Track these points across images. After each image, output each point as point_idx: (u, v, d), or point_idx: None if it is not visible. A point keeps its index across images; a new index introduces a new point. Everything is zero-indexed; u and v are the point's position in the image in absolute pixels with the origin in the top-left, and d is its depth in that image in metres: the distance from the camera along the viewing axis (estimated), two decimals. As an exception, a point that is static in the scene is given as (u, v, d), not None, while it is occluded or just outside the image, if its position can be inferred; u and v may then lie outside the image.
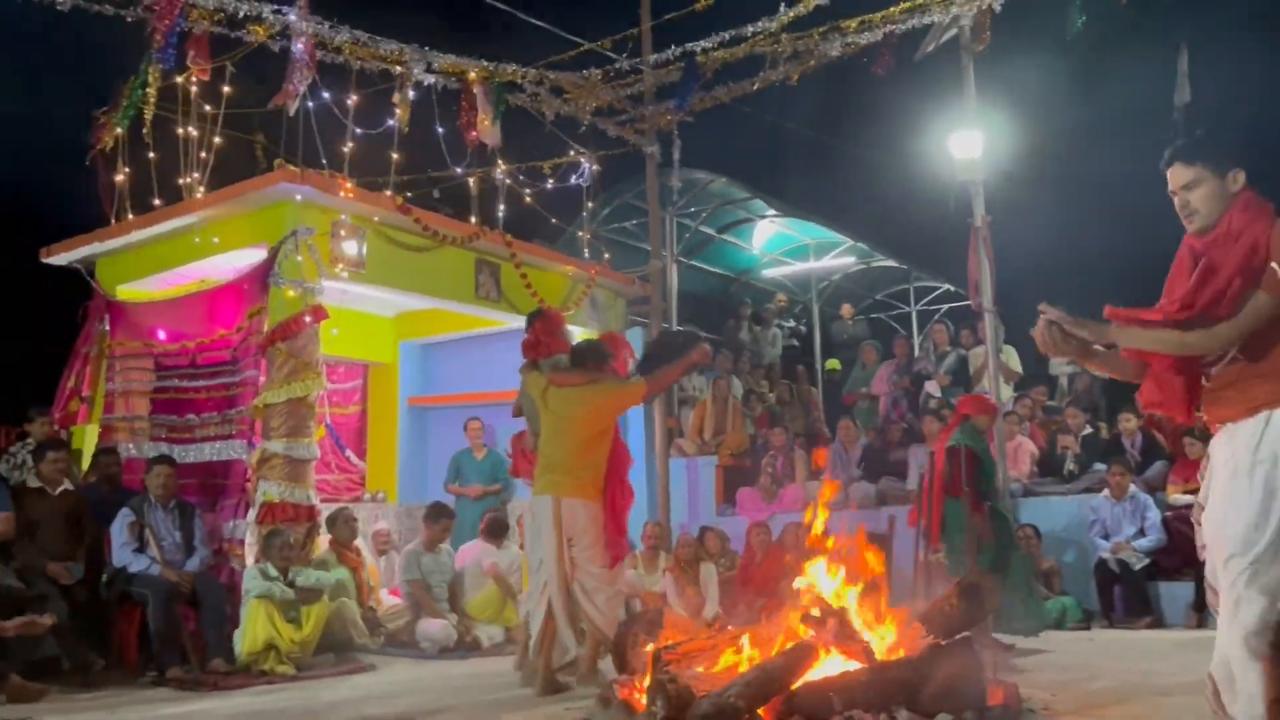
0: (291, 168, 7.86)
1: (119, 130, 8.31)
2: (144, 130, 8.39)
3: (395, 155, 8.97)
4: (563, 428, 5.88)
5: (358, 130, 8.51)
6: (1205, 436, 8.53)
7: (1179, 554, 8.05)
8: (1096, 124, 14.56)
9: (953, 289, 14.88)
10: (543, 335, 6.47)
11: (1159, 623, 8.00)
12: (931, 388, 11.30)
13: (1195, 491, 8.25)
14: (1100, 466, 9.12)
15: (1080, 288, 14.37)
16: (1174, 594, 8.19)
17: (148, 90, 7.78)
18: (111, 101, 8.39)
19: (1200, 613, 7.79)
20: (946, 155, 9.50)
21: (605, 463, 5.88)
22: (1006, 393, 10.39)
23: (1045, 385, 11.15)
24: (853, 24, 9.28)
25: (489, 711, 5.22)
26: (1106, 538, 8.47)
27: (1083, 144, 14.37)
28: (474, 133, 9.57)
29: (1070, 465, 9.43)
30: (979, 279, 9.39)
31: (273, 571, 7.14)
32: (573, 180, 11.04)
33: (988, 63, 9.37)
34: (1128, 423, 9.42)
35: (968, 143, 9.27)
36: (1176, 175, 3.19)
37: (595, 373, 5.99)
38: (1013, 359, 11.09)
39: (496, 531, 8.67)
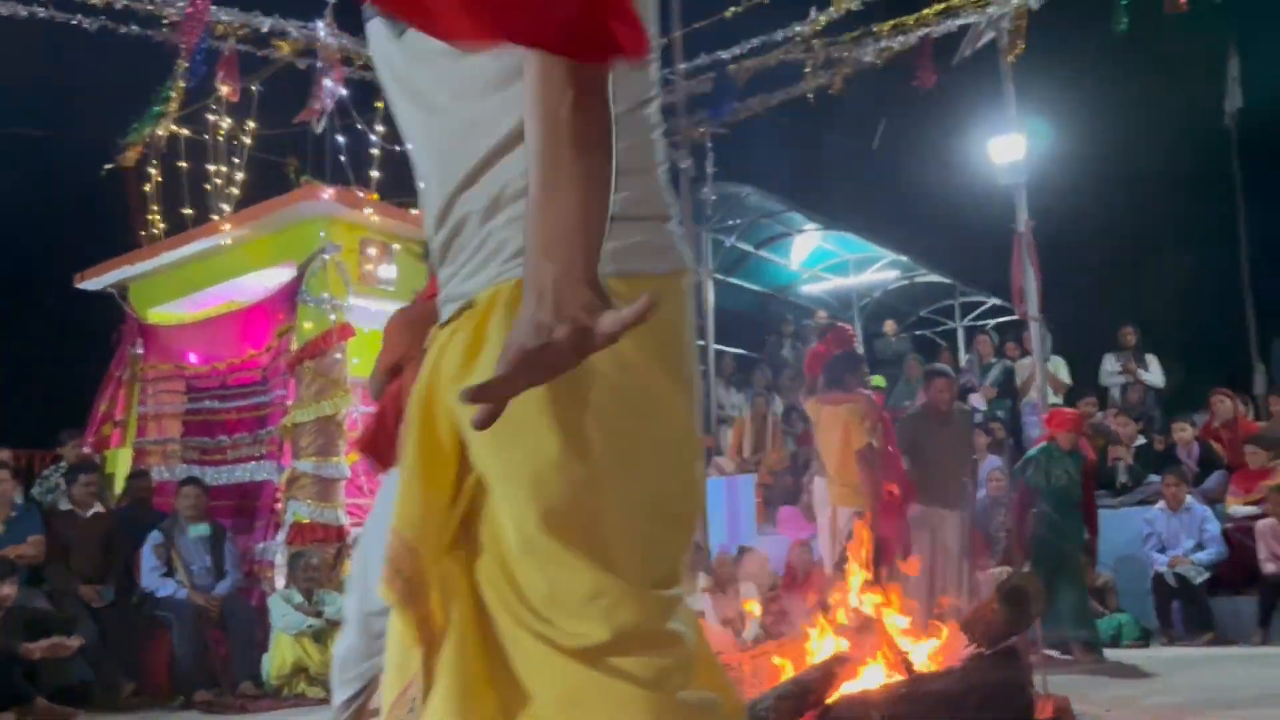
0: (317, 185, 7.82)
1: (140, 144, 8.34)
2: (159, 151, 8.44)
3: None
4: None
5: (386, 145, 8.45)
6: (1269, 444, 8.19)
7: (1241, 567, 7.71)
8: (1141, 125, 14.22)
9: (1000, 303, 14.53)
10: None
11: (1221, 639, 7.60)
12: (977, 401, 10.98)
13: (1258, 502, 7.93)
14: (1155, 478, 8.77)
15: (1132, 294, 14.01)
16: (1237, 609, 7.80)
17: (170, 104, 7.79)
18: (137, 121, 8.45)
19: (1265, 628, 7.45)
20: (987, 162, 9.26)
21: None
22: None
23: (1095, 396, 10.78)
24: (886, 28, 9.07)
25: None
26: (1163, 551, 8.11)
27: (1126, 148, 14.02)
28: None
29: (1123, 477, 9.07)
30: (1024, 285, 9.10)
31: (297, 597, 7.02)
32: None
33: (1027, 64, 9.12)
34: (1183, 432, 9.06)
35: (1009, 147, 9.01)
36: None
37: None
38: (1061, 369, 10.75)
39: None
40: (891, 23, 9.00)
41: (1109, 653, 7.33)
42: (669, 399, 1.27)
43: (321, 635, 6.96)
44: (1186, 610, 7.87)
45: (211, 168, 8.61)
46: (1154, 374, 10.28)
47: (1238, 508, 8.12)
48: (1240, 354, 12.16)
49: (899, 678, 4.08)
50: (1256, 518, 7.74)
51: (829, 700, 3.96)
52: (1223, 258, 12.85)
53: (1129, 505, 8.80)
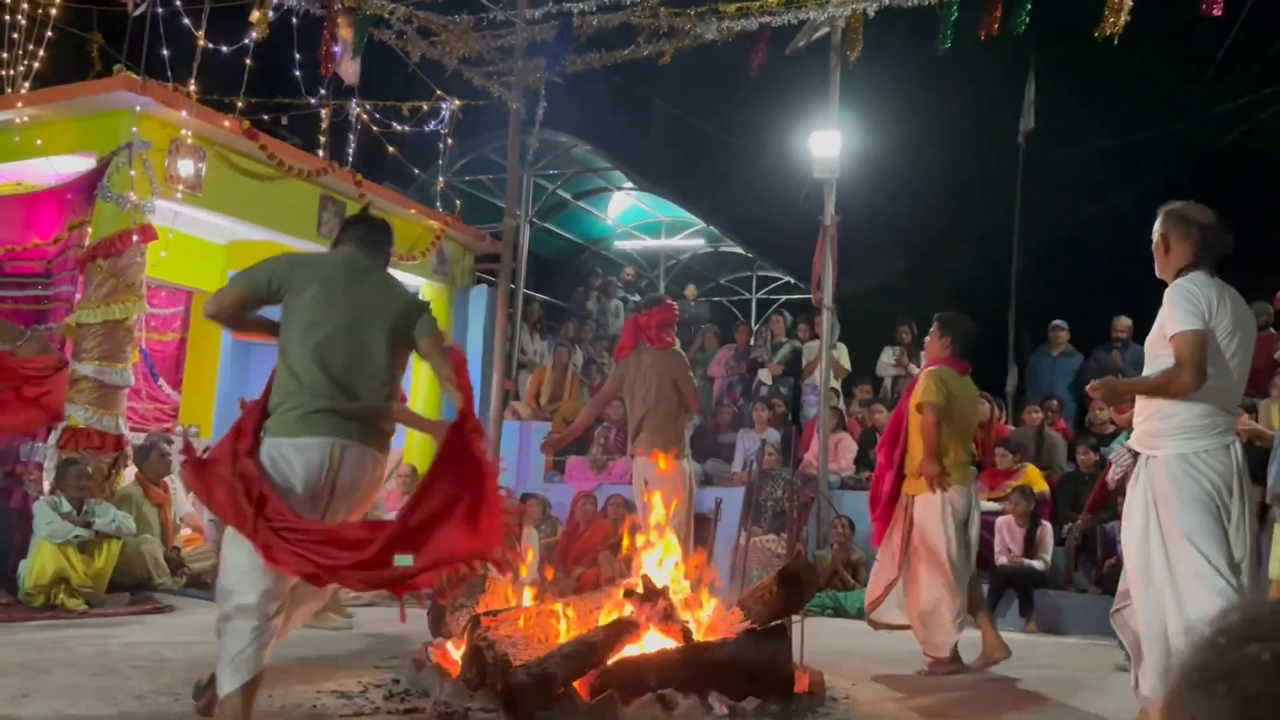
0: (133, 76, 7.37)
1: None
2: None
3: (247, 75, 8.51)
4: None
5: (209, 45, 8.03)
6: (1016, 448, 8.96)
7: (978, 557, 8.52)
8: (945, 136, 15.16)
9: (792, 281, 15.24)
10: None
11: (953, 619, 8.41)
12: (764, 376, 11.56)
13: (1001, 499, 8.64)
14: (913, 467, 9.51)
15: (914, 293, 14.99)
16: (971, 593, 8.64)
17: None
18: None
19: (993, 610, 8.29)
20: (805, 151, 9.69)
21: None
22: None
23: (869, 384, 11.54)
24: (731, 9, 9.32)
25: (295, 659, 5.07)
26: (912, 535, 8.85)
27: (932, 157, 14.95)
28: (330, 64, 9.19)
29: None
30: (822, 276, 9.64)
31: (65, 505, 6.73)
32: (431, 126, 10.75)
33: (852, 66, 9.58)
34: (943, 428, 9.83)
35: (827, 142, 9.47)
36: None
37: None
38: (844, 356, 11.45)
39: None
40: (737, 5, 9.26)
41: (858, 625, 8.01)
42: None
43: (88, 546, 6.71)
44: (925, 591, 8.65)
45: (6, 35, 7.94)
46: (924, 371, 11.08)
47: (982, 503, 8.96)
48: (1000, 357, 13.31)
49: (676, 645, 4.38)
50: (998, 514, 8.58)
51: (610, 661, 4.22)
52: (996, 267, 13.96)
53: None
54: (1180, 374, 3.63)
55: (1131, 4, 7.86)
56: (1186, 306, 3.66)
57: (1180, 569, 3.61)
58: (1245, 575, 3.63)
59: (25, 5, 7.88)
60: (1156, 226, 3.92)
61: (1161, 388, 3.72)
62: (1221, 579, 3.53)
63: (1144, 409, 3.85)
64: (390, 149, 10.35)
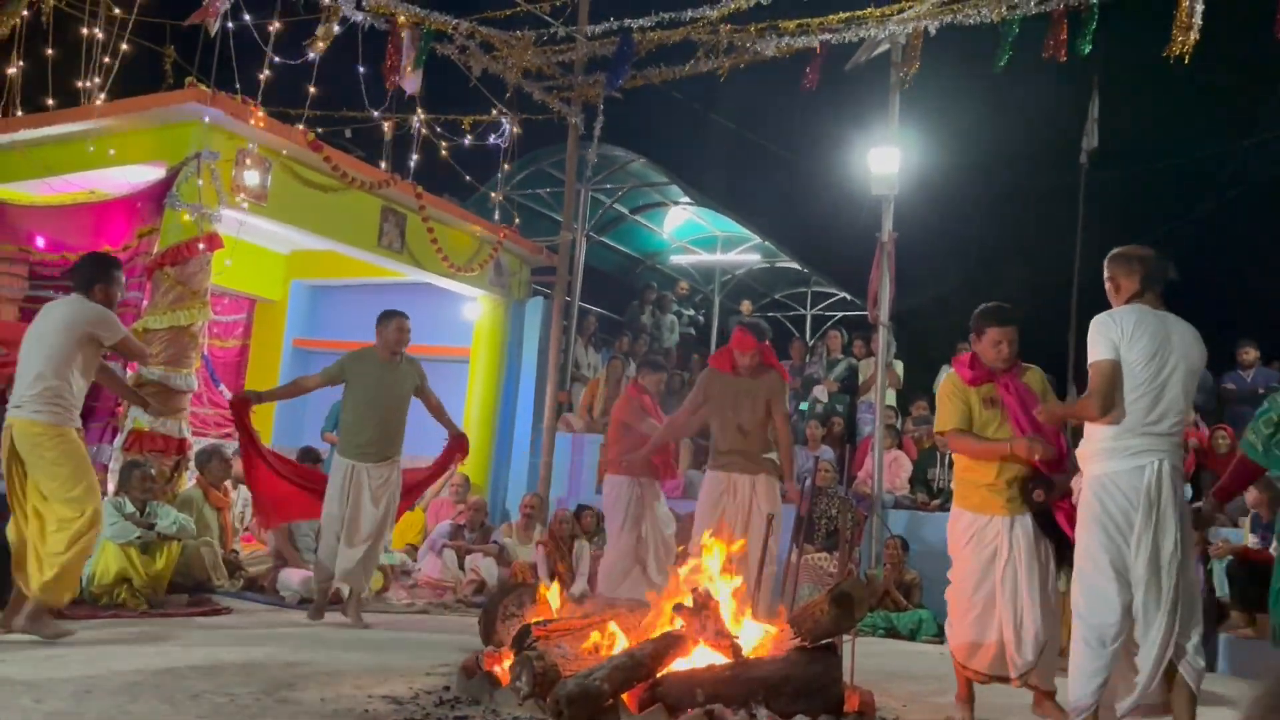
0: (203, 88, 7.55)
1: (13, 20, 7.90)
2: (37, 22, 7.99)
3: (312, 89, 8.68)
4: None
5: (276, 59, 8.21)
6: (1075, 466, 8.84)
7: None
8: (1006, 156, 15.00)
9: (848, 298, 15.15)
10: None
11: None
12: (819, 392, 11.49)
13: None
14: (970, 488, 9.39)
15: (972, 312, 14.79)
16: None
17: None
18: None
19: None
20: (863, 168, 9.63)
21: None
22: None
23: (926, 400, 11.41)
24: (791, 25, 9.33)
25: (347, 664, 5.13)
26: (968, 557, 8.72)
27: (991, 174, 14.80)
28: (394, 77, 9.33)
29: (940, 482, 9.71)
30: (879, 292, 9.56)
31: (129, 506, 6.88)
32: (491, 139, 10.88)
33: (912, 82, 9.52)
34: (1001, 448, 9.70)
35: (886, 158, 9.40)
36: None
37: None
38: (898, 371, 11.36)
39: None
40: (797, 22, 9.26)
41: (909, 646, 7.92)
42: None
43: (150, 548, 6.85)
44: (979, 614, 8.50)
45: (85, 48, 8.17)
46: (983, 390, 10.93)
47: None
48: (1060, 379, 13.12)
49: (725, 660, 4.37)
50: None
51: (658, 675, 4.22)
52: (1057, 288, 13.77)
53: (944, 510, 9.43)
54: (1088, 400, 4.02)
55: (1200, 23, 7.73)
56: (1098, 339, 4.03)
57: (1078, 582, 4.05)
58: (1143, 588, 3.88)
59: (102, 20, 8.09)
60: (1105, 272, 4.22)
61: (1076, 413, 4.25)
62: (1111, 593, 3.90)
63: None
64: (451, 162, 10.50)
